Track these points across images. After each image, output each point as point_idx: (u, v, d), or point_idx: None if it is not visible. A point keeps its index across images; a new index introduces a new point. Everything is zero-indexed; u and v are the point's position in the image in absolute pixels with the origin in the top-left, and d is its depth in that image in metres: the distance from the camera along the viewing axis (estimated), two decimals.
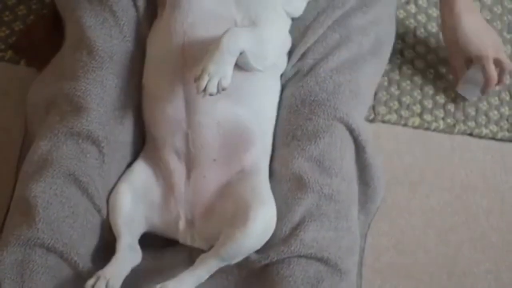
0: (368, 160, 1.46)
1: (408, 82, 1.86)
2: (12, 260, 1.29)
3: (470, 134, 1.84)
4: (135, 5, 1.46)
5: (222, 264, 1.33)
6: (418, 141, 1.80)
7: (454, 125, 1.83)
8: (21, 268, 1.29)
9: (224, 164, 1.38)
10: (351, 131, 1.43)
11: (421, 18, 1.94)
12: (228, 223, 1.33)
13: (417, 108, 1.84)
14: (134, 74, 1.44)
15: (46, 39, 1.71)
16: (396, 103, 1.83)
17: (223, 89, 1.28)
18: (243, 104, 1.38)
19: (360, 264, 1.51)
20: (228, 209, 1.35)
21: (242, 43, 1.30)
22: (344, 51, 1.48)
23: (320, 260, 1.34)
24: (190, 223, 1.39)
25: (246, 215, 1.31)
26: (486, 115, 1.87)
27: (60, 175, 1.33)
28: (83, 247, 1.34)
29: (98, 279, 1.28)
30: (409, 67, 1.88)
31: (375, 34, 1.54)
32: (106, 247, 1.37)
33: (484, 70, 1.71)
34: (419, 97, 1.85)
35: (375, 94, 1.78)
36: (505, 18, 2.00)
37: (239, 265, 1.35)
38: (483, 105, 1.87)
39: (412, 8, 1.95)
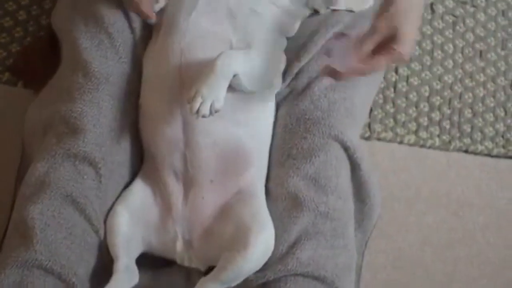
0: (364, 177, 1.46)
1: (403, 99, 1.87)
2: (10, 282, 1.28)
3: (466, 151, 1.85)
4: (131, 26, 1.46)
5: (222, 287, 1.34)
6: (414, 158, 1.81)
7: (449, 142, 1.84)
8: None
9: (221, 185, 1.38)
10: (346, 148, 1.43)
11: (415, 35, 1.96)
12: (228, 245, 1.33)
13: (412, 126, 1.85)
14: (130, 95, 1.44)
15: (43, 61, 1.71)
16: (391, 120, 1.84)
17: (216, 111, 1.28)
18: (240, 125, 1.38)
19: (358, 281, 1.51)
20: (227, 231, 1.35)
21: (236, 66, 1.31)
22: None
23: (317, 278, 1.34)
24: (188, 243, 1.39)
25: (246, 239, 1.31)
26: (482, 131, 1.87)
27: (58, 196, 1.33)
28: (81, 268, 1.33)
29: None
30: (404, 84, 1.89)
31: None
32: (104, 268, 1.37)
33: None
34: (414, 115, 1.86)
35: (371, 111, 1.79)
36: (499, 34, 2.02)
37: (237, 284, 1.35)
38: (478, 122, 1.88)
39: None
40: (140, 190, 1.41)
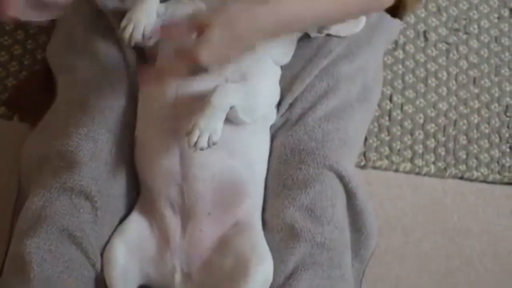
0: (360, 206, 1.46)
1: (398, 127, 1.88)
2: None
3: (461, 178, 1.85)
4: (125, 59, 1.47)
5: None
6: (409, 185, 1.81)
7: (445, 169, 1.84)
8: None
9: (219, 217, 1.38)
10: (341, 178, 1.43)
11: (409, 63, 1.97)
12: (227, 277, 1.33)
13: (408, 153, 1.85)
14: (126, 128, 1.44)
15: (38, 94, 1.72)
16: (387, 148, 1.84)
17: (214, 144, 1.29)
18: (236, 157, 1.38)
19: None
20: (226, 263, 1.35)
21: (232, 99, 1.31)
22: (332, 100, 1.48)
23: None
24: (187, 276, 1.39)
25: (246, 271, 1.32)
26: (477, 158, 1.88)
27: (54, 230, 1.33)
28: None
29: None
30: (399, 112, 1.90)
31: (363, 81, 1.55)
32: None
33: None
34: (409, 142, 1.87)
35: (366, 140, 1.79)
36: (492, 61, 2.03)
37: None
38: (474, 148, 1.89)
39: (400, 53, 1.97)
40: (137, 223, 1.41)
